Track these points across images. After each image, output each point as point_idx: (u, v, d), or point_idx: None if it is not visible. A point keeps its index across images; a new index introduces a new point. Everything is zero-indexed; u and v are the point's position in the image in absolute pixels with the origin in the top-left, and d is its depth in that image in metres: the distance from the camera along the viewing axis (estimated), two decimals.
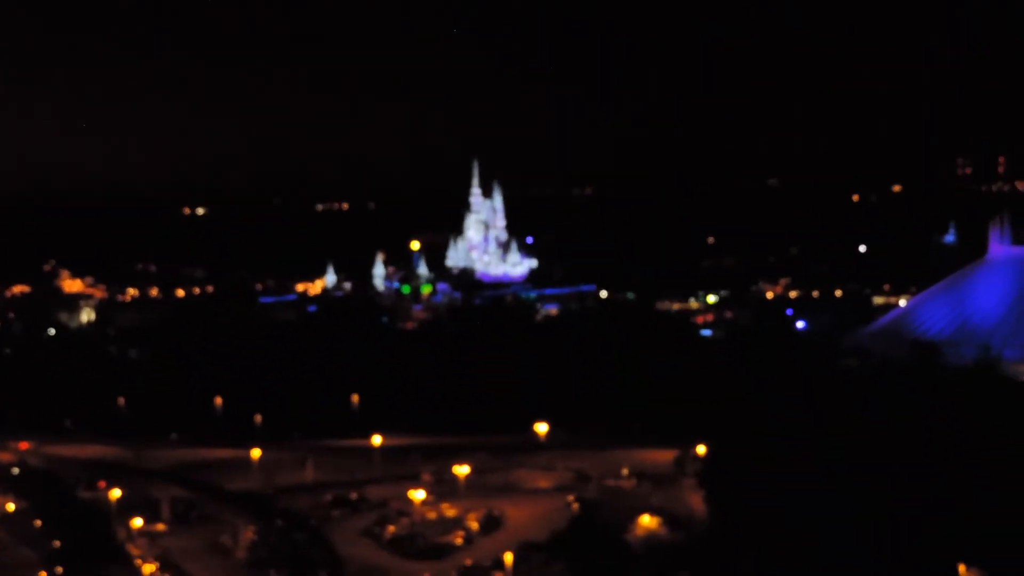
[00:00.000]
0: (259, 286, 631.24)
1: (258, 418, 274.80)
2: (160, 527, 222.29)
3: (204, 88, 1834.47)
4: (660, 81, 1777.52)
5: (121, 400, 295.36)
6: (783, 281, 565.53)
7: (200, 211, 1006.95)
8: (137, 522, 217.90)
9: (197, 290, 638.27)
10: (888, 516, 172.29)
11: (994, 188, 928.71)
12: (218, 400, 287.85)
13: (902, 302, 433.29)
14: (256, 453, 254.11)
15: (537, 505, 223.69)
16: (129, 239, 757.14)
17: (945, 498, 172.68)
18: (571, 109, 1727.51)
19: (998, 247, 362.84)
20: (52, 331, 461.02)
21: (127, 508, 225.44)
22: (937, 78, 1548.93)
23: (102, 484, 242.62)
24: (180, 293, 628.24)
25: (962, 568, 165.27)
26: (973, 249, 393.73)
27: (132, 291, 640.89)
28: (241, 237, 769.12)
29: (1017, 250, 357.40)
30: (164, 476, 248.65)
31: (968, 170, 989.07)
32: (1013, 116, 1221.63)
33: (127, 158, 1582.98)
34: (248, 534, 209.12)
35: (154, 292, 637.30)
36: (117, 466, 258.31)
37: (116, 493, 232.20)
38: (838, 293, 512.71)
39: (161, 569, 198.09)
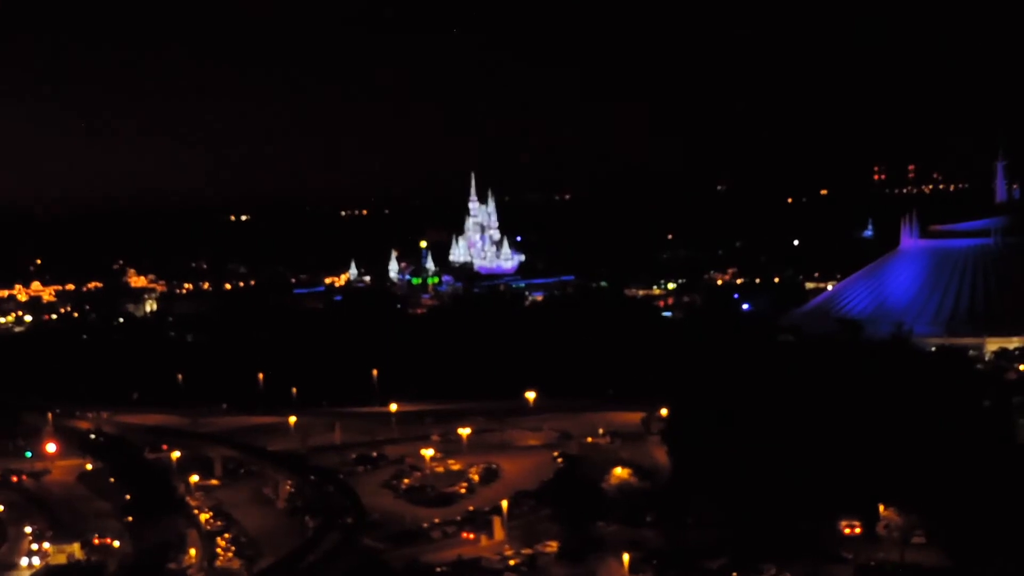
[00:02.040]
0: (293, 279, 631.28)
1: (294, 390, 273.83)
2: (213, 482, 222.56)
3: (248, 111, 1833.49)
4: (628, 101, 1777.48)
5: (179, 376, 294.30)
6: (730, 270, 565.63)
7: (244, 217, 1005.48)
8: (194, 478, 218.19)
9: (241, 283, 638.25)
10: (820, 465, 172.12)
11: (905, 191, 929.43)
12: (260, 375, 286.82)
13: (829, 286, 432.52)
14: (292, 419, 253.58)
15: (528, 460, 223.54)
16: (185, 241, 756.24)
17: (867, 449, 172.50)
18: (552, 127, 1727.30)
19: (908, 240, 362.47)
20: (121, 320, 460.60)
21: (185, 466, 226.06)
22: (856, 97, 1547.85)
23: (164, 447, 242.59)
24: (227, 286, 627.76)
25: (882, 507, 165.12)
26: (887, 242, 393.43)
27: (187, 285, 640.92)
28: (278, 239, 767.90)
29: (924, 242, 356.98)
30: (216, 439, 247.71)
31: (883, 176, 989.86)
32: (920, 129, 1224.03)
33: (183, 172, 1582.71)
34: (287, 487, 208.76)
35: (206, 286, 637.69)
36: (177, 431, 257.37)
37: (176, 454, 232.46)
38: (776, 279, 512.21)
39: (214, 517, 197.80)
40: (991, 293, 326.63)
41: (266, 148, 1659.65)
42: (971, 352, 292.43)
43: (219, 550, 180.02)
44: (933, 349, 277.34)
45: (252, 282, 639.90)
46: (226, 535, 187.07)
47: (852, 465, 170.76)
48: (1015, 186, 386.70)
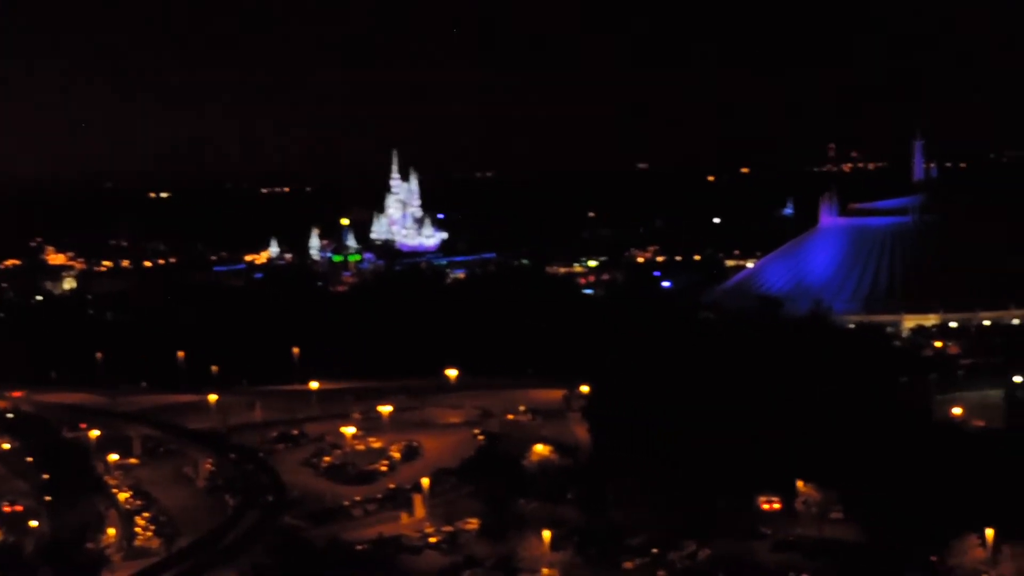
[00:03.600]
0: (213, 257, 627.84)
1: (214, 368, 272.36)
2: (133, 461, 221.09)
3: (167, 90, 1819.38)
4: (550, 80, 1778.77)
5: (98, 355, 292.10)
6: (651, 248, 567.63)
7: (164, 195, 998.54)
8: (113, 457, 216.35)
9: (162, 261, 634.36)
10: (740, 440, 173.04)
11: (824, 169, 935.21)
12: (180, 354, 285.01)
13: (749, 264, 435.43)
14: (213, 397, 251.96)
15: (449, 437, 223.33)
16: (104, 219, 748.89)
17: (786, 425, 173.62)
18: (475, 103, 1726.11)
19: (827, 218, 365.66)
20: (39, 298, 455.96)
21: (104, 446, 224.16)
22: (777, 76, 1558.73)
23: (83, 426, 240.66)
24: (147, 264, 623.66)
25: (800, 484, 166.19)
26: (807, 220, 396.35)
27: (107, 263, 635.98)
28: (198, 216, 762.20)
29: (843, 220, 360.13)
30: (135, 418, 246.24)
31: (801, 155, 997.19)
32: (840, 110, 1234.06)
33: (99, 150, 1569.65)
34: (206, 466, 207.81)
35: (125, 264, 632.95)
36: (96, 410, 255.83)
37: (95, 433, 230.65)
38: (697, 257, 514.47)
39: (134, 496, 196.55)
40: (908, 271, 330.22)
41: (186, 125, 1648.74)
42: (889, 329, 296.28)
43: (138, 529, 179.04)
44: (852, 326, 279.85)
45: (172, 260, 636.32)
46: (145, 514, 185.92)
47: (771, 442, 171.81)
48: (932, 165, 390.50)
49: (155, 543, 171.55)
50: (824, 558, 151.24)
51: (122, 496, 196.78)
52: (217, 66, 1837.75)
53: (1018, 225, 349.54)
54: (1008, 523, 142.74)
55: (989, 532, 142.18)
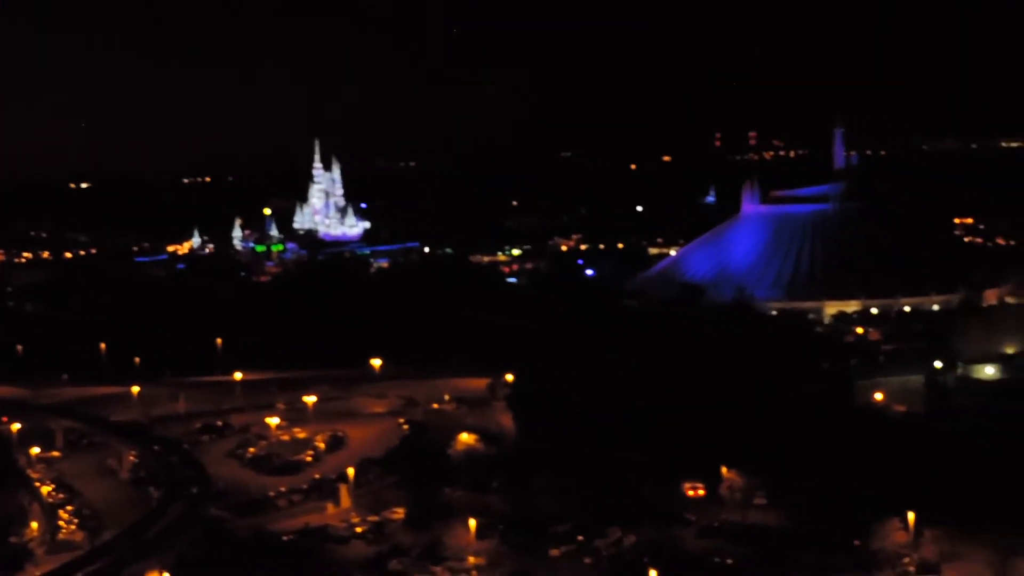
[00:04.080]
0: (135, 248, 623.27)
1: (137, 359, 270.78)
2: (55, 454, 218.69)
3: (88, 76, 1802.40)
4: (473, 70, 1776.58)
5: (19, 347, 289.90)
6: (575, 236, 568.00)
7: (84, 185, 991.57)
8: (35, 450, 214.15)
9: (82, 252, 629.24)
10: (664, 427, 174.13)
11: (746, 157, 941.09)
12: (102, 345, 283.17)
13: (672, 252, 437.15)
14: (136, 389, 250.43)
15: (374, 427, 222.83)
16: (23, 210, 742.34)
17: (710, 412, 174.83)
18: (399, 94, 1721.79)
19: (749, 206, 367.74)
20: None
21: (26, 439, 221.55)
22: (698, 64, 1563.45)
23: (4, 419, 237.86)
24: (68, 255, 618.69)
25: (724, 469, 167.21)
26: (729, 208, 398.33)
27: (27, 254, 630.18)
28: (119, 207, 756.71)
29: (765, 208, 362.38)
30: (57, 411, 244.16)
31: (723, 143, 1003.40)
32: (761, 98, 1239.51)
33: (23, 140, 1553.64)
34: (130, 458, 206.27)
35: (45, 255, 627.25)
36: (17, 403, 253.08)
37: (16, 426, 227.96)
38: (620, 245, 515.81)
39: (56, 490, 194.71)
40: (830, 257, 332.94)
41: (107, 115, 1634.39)
42: (811, 316, 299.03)
43: (61, 523, 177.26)
44: (774, 313, 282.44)
45: (93, 251, 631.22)
46: (68, 507, 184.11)
47: (695, 428, 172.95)
48: (852, 153, 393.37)
49: (79, 536, 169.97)
50: (748, 544, 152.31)
51: (45, 489, 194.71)
52: (134, 54, 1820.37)
53: (937, 212, 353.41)
54: (929, 507, 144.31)
55: (911, 516, 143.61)
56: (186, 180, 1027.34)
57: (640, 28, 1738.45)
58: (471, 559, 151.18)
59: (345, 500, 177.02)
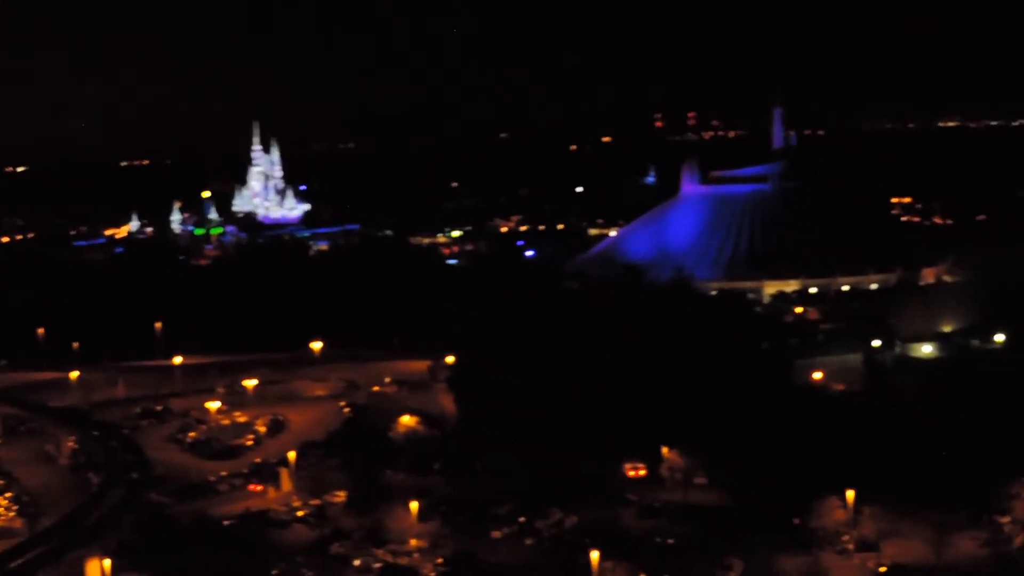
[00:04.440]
0: (73, 232, 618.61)
1: (75, 344, 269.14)
2: None
3: (23, 59, 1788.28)
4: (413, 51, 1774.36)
5: None
6: (515, 218, 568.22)
7: (20, 169, 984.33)
8: None
9: (19, 236, 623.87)
10: (606, 408, 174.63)
11: (685, 137, 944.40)
12: (40, 330, 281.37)
13: (612, 233, 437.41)
14: (74, 374, 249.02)
15: (315, 410, 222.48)
16: None
17: (650, 392, 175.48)
18: (338, 77, 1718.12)
19: (689, 186, 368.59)
20: None
21: None
22: (636, 45, 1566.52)
23: None
24: (4, 239, 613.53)
25: (665, 450, 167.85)
26: (669, 188, 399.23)
27: None
28: (56, 191, 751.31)
29: (704, 188, 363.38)
30: None
31: (662, 123, 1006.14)
32: (700, 79, 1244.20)
33: None
34: (69, 443, 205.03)
35: None
36: None
37: None
38: (560, 226, 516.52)
39: None
40: (769, 237, 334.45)
41: (42, 97, 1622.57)
42: (750, 295, 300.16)
43: (0, 510, 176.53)
44: (714, 293, 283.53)
45: (30, 235, 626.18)
46: (7, 494, 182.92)
47: (636, 408, 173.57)
48: (791, 132, 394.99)
49: (18, 523, 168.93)
50: (689, 523, 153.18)
51: None
52: (72, 37, 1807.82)
53: (875, 191, 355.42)
54: (868, 484, 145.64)
55: (850, 494, 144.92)
56: (124, 163, 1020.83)
57: (580, 7, 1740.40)
58: (413, 541, 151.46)
59: (286, 484, 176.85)
